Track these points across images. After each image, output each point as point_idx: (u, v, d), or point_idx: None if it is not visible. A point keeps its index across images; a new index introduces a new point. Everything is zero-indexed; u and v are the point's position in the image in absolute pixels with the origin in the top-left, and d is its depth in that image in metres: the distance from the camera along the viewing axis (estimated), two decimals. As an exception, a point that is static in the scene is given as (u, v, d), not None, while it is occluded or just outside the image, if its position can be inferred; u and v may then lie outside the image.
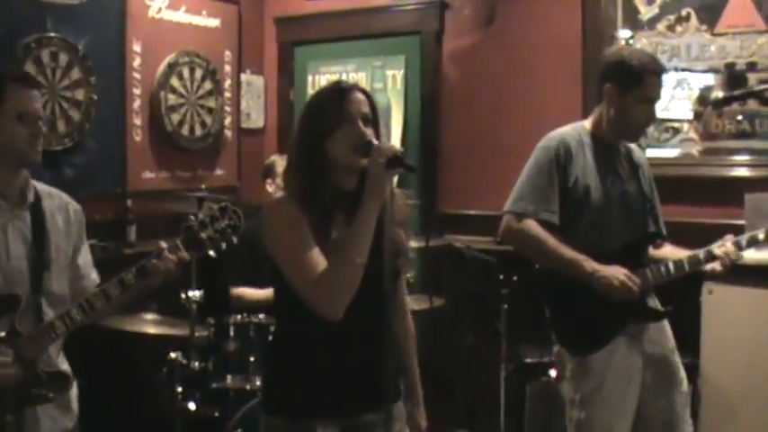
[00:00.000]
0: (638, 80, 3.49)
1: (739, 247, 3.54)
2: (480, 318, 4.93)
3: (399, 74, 5.91)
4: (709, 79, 4.87)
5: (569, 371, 3.58)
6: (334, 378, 2.62)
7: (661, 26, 5.01)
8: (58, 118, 4.95)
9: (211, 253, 3.00)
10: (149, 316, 4.53)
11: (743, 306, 4.48)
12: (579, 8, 5.23)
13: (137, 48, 5.44)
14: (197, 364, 4.34)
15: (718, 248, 3.53)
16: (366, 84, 5.90)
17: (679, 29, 4.97)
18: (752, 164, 4.78)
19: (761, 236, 3.58)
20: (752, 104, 4.59)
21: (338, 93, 2.64)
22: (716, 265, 3.55)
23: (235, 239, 3.00)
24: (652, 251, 3.69)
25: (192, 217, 2.96)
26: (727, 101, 3.75)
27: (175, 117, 5.67)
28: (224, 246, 3.00)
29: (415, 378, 2.92)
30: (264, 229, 2.65)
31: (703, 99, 4.85)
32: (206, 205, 3.04)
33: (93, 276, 3.21)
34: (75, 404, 3.15)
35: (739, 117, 4.77)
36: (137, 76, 5.45)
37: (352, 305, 2.51)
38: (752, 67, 4.75)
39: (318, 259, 2.51)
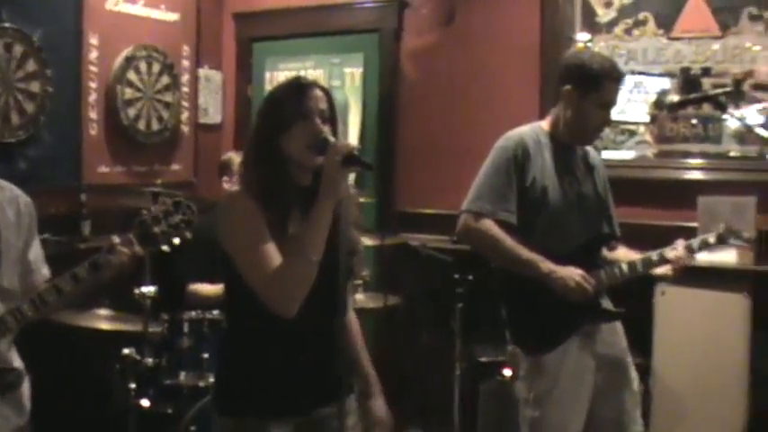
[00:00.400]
0: (597, 85, 3.51)
1: (691, 250, 3.58)
2: (435, 316, 4.94)
3: (358, 72, 5.91)
4: (665, 83, 4.93)
5: (523, 370, 3.60)
6: (288, 375, 2.62)
7: (618, 29, 5.06)
8: (13, 110, 4.88)
9: (164, 247, 2.99)
10: (102, 311, 4.48)
11: (694, 307, 4.55)
12: (538, 9, 5.27)
13: (93, 41, 5.39)
14: (150, 360, 4.31)
15: (670, 252, 3.56)
16: (324, 81, 5.89)
17: (636, 32, 5.02)
18: (705, 167, 4.84)
19: (712, 239, 3.62)
20: (706, 108, 4.65)
21: (296, 89, 2.64)
22: (668, 269, 3.58)
23: (188, 234, 2.99)
24: (606, 252, 3.72)
25: (146, 211, 2.95)
26: (681, 104, 3.78)
27: (132, 111, 5.63)
28: (177, 240, 2.98)
29: (368, 371, 2.91)
30: (219, 223, 2.64)
31: (659, 102, 4.90)
32: (160, 200, 3.02)
33: (45, 271, 3.17)
34: (27, 401, 3.11)
35: (693, 121, 4.83)
36: (93, 69, 5.40)
37: (305, 302, 2.50)
38: (706, 71, 4.82)
39: (274, 255, 2.51)
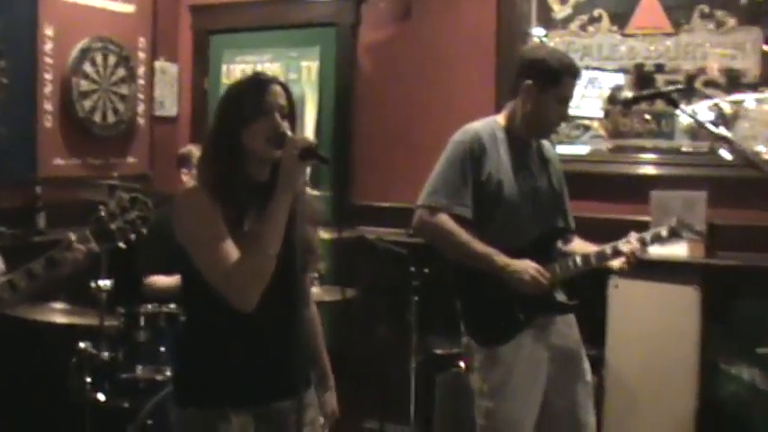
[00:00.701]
0: (556, 80, 3.56)
1: (644, 243, 3.63)
2: (391, 310, 4.97)
3: (314, 65, 5.91)
4: (619, 79, 4.99)
5: (478, 362, 3.64)
6: (246, 367, 2.64)
7: (573, 26, 5.13)
8: (-33, 102, 4.86)
9: (120, 244, 2.99)
10: (58, 305, 4.45)
11: (647, 300, 4.64)
12: (494, 5, 5.31)
13: (49, 32, 5.34)
14: (107, 354, 4.29)
15: (623, 245, 3.61)
16: (281, 74, 5.89)
17: (591, 29, 5.08)
18: (658, 162, 4.92)
19: (664, 233, 3.68)
20: (659, 104, 4.72)
21: (257, 84, 2.66)
22: (621, 262, 3.64)
23: (144, 230, 3.00)
24: (561, 245, 3.77)
25: (102, 208, 2.95)
26: (635, 101, 3.84)
27: (87, 103, 5.59)
28: (133, 237, 2.99)
29: (326, 365, 2.97)
30: (175, 219, 2.65)
31: (612, 98, 4.97)
32: (116, 196, 3.01)
33: (0, 265, 3.17)
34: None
35: (647, 116, 4.90)
36: (49, 60, 5.36)
37: (263, 295, 2.53)
38: (659, 68, 4.89)
39: (231, 250, 2.52)
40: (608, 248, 3.63)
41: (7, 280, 2.92)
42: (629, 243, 3.61)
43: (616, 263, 3.65)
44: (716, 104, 4.75)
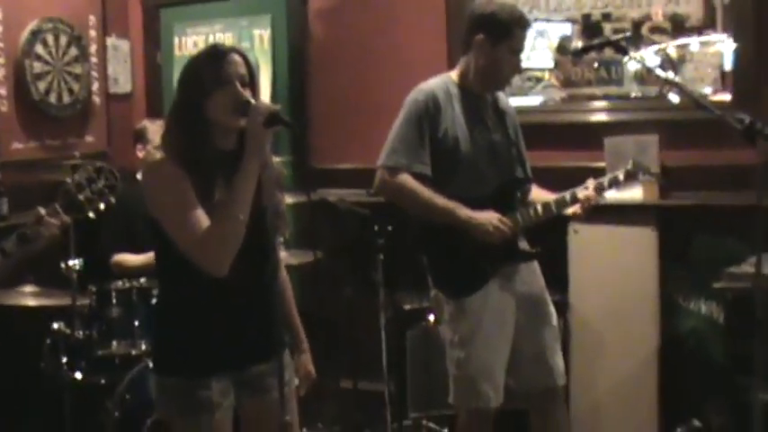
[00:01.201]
0: (508, 33, 3.65)
1: (601, 188, 3.73)
2: (358, 269, 5.02)
3: (266, 33, 5.89)
4: (567, 29, 5.07)
5: (447, 314, 3.74)
6: (223, 334, 2.72)
7: (521, -22, 5.17)
8: None
9: (91, 214, 3.02)
10: (28, 288, 4.48)
11: (606, 243, 4.74)
12: (442, -38, 5.33)
13: (-2, 16, 5.32)
14: (81, 332, 4.34)
15: (581, 191, 3.71)
16: (233, 44, 5.90)
17: (538, -18, 5.14)
18: (609, 109, 5.00)
19: (621, 176, 3.78)
20: (608, 52, 4.77)
21: (215, 56, 2.71)
22: (578, 208, 3.74)
23: (113, 199, 3.02)
24: (521, 195, 3.86)
25: (69, 180, 2.97)
26: (585, 50, 3.92)
27: (42, 85, 5.57)
28: (102, 206, 3.01)
29: (298, 327, 3.06)
30: (145, 190, 2.71)
31: (561, 48, 5.05)
32: (81, 167, 3.02)
33: None
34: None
35: (596, 65, 4.98)
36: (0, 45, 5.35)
37: (235, 262, 2.60)
38: (606, 17, 4.96)
39: (202, 217, 2.59)
40: (567, 195, 3.72)
41: None
42: (587, 189, 3.71)
43: (572, 209, 3.75)
44: (662, 49, 4.83)
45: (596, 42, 3.71)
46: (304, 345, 3.09)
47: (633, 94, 4.95)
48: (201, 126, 2.65)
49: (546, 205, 3.72)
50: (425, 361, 4.70)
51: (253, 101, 2.65)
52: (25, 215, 3.02)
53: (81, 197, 2.95)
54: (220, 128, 2.67)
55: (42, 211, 2.95)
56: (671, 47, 4.81)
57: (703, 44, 4.74)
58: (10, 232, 2.98)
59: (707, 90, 4.74)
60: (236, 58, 2.71)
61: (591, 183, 3.73)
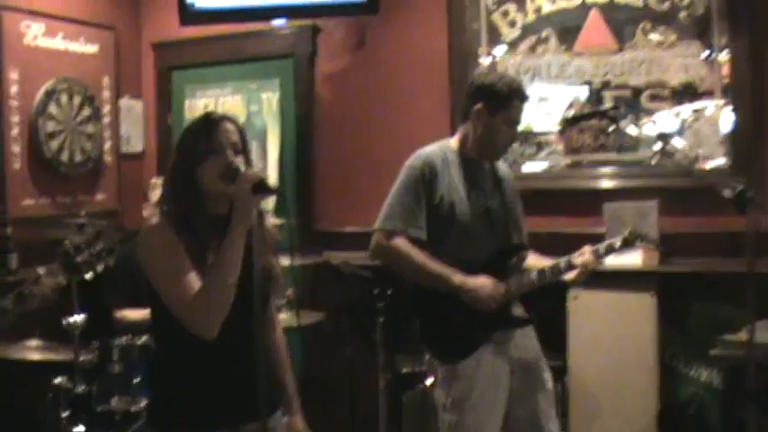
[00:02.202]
0: (505, 104, 3.71)
1: (598, 255, 3.75)
2: (358, 331, 5.04)
3: (274, 96, 6.01)
4: (570, 96, 5.14)
5: (440, 377, 3.74)
6: (213, 393, 2.73)
7: (523, 47, 5.25)
8: (-66, 147, 4.93)
9: (88, 276, 3.06)
10: (32, 342, 4.53)
11: (606, 309, 4.76)
12: (445, 31, 5.42)
13: (14, 75, 5.45)
14: (82, 387, 4.37)
15: (576, 258, 3.73)
16: (242, 107, 6.02)
17: (539, 49, 5.21)
18: (609, 175, 5.04)
19: (617, 244, 3.79)
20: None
21: (208, 124, 2.77)
22: (575, 274, 3.76)
23: (111, 262, 3.07)
24: (516, 261, 3.89)
25: (68, 241, 3.03)
26: (575, 120, 3.99)
27: (55, 144, 5.69)
28: (100, 268, 3.06)
29: (292, 388, 3.04)
30: (140, 253, 2.77)
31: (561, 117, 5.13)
32: (84, 228, 3.07)
33: None
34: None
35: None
36: (14, 103, 5.46)
37: (226, 324, 2.63)
38: (606, 84, 5.03)
39: (194, 281, 2.62)
40: (562, 262, 3.74)
41: None
42: (582, 256, 3.73)
43: (570, 275, 3.78)
44: (661, 116, 4.89)
45: (585, 113, 3.76)
46: (296, 406, 3.10)
47: (632, 161, 4.99)
48: (194, 191, 2.71)
49: (540, 272, 3.74)
50: (421, 424, 4.70)
51: (242, 168, 2.70)
52: (32, 271, 3.06)
53: (79, 259, 2.98)
54: (212, 194, 2.73)
55: (41, 271, 2.99)
56: (670, 114, 4.87)
57: (702, 111, 4.80)
58: (17, 287, 3.01)
59: (705, 156, 4.78)
60: (229, 125, 2.76)
61: (587, 249, 3.75)
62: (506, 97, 3.71)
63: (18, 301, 2.96)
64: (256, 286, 2.64)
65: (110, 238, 3.01)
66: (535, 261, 3.88)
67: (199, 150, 2.71)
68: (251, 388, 2.74)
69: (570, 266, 3.73)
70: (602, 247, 3.78)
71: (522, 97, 3.78)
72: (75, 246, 2.96)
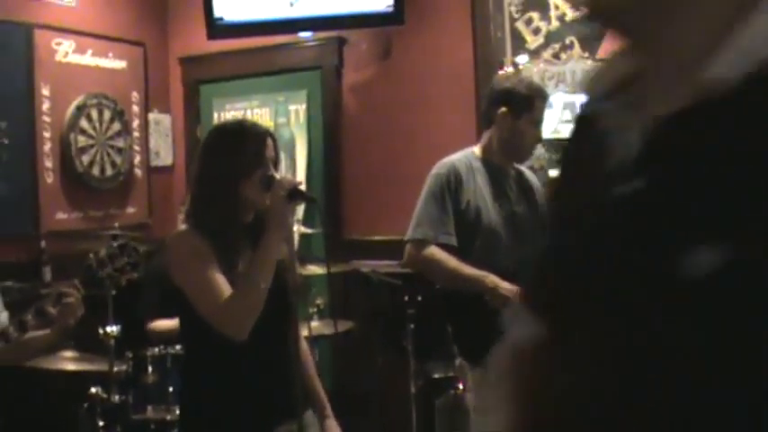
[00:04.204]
0: (529, 105, 3.75)
1: None
2: (389, 338, 5.07)
3: (302, 108, 6.07)
4: (593, 102, 5.16)
5: (471, 381, 3.79)
6: (247, 398, 2.78)
7: (546, 54, 5.28)
8: (-31, 163, 5.01)
9: (113, 291, 3.09)
10: (68, 353, 4.58)
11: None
12: (470, 40, 5.46)
13: (45, 92, 5.53)
14: (117, 397, 4.42)
15: None
16: (270, 118, 6.08)
17: (563, 56, 5.25)
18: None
19: None
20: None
21: (256, 137, 2.82)
22: None
23: (135, 275, 3.10)
24: None
25: (92, 256, 3.05)
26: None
27: (86, 158, 5.77)
28: (124, 283, 3.09)
29: (322, 394, 3.10)
30: (170, 260, 2.82)
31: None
32: (106, 244, 3.09)
33: (2, 318, 3.25)
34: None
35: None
36: (46, 119, 5.54)
37: (259, 328, 2.68)
38: (630, 90, 5.05)
39: (225, 285, 2.68)
40: None
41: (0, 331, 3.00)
42: None
43: None
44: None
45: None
46: (328, 410, 3.14)
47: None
48: (234, 201, 2.77)
49: None
50: (454, 429, 4.72)
51: (277, 176, 2.76)
52: (66, 284, 3.08)
53: (102, 274, 3.02)
54: (251, 205, 2.78)
55: (63, 288, 3.01)
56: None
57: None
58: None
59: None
60: (270, 141, 2.84)
61: None
62: (529, 98, 3.76)
63: (38, 315, 2.99)
64: (291, 291, 2.70)
65: (134, 253, 3.05)
66: None
67: (248, 164, 2.77)
68: (283, 388, 2.79)
69: None
70: None
71: (543, 97, 3.84)
72: (99, 260, 3.00)
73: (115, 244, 3.07)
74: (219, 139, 2.91)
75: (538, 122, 3.81)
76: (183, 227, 2.81)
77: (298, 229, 3.10)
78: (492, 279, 3.64)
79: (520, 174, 3.95)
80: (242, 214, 2.80)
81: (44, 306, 2.98)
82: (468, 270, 3.67)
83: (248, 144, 2.81)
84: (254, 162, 2.76)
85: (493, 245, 3.73)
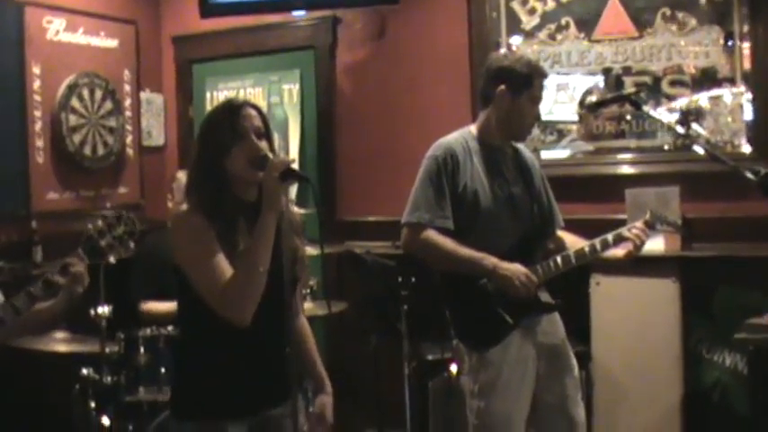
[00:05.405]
0: (527, 82, 3.71)
1: (606, 245, 3.76)
2: (382, 320, 5.05)
3: (295, 88, 6.04)
4: (589, 83, 5.14)
5: (468, 365, 3.73)
6: (241, 378, 2.75)
7: (542, 34, 5.26)
8: (-41, 142, 4.97)
9: (112, 259, 3.11)
10: (59, 334, 4.54)
11: (628, 295, 4.76)
12: (465, 21, 5.44)
13: (36, 70, 5.48)
14: (109, 378, 4.39)
15: (598, 244, 3.74)
16: (263, 98, 6.04)
17: (559, 37, 5.22)
18: (631, 161, 5.05)
19: (639, 225, 3.79)
20: (628, 106, 4.83)
21: (230, 110, 2.77)
22: (626, 251, 3.75)
23: (132, 245, 3.11)
24: (549, 244, 3.87)
25: (91, 226, 3.06)
26: (598, 105, 3.99)
27: (77, 137, 5.72)
28: (123, 252, 3.10)
29: (322, 371, 3.07)
30: (172, 240, 2.78)
31: (582, 103, 5.12)
32: (102, 215, 3.12)
33: None
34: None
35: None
36: (37, 98, 5.49)
37: (256, 309, 2.65)
38: (627, 70, 5.03)
39: (225, 267, 2.64)
40: (587, 247, 3.73)
41: (9, 302, 3.02)
42: (594, 244, 3.73)
43: (620, 252, 3.76)
44: (682, 102, 4.90)
45: (609, 97, 3.76)
46: (328, 387, 3.08)
47: (654, 147, 5.00)
48: (222, 179, 2.73)
49: (565, 257, 3.72)
50: (447, 411, 4.71)
51: (270, 155, 2.72)
52: (57, 263, 3.10)
53: (102, 243, 3.03)
54: (240, 181, 2.74)
55: (67, 259, 3.03)
56: (692, 100, 4.86)
57: (724, 97, 4.80)
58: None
59: (727, 142, 4.79)
60: (251, 111, 2.77)
61: (598, 240, 3.75)
62: (527, 76, 3.72)
63: (46, 287, 3.01)
64: (286, 271, 2.66)
65: (131, 222, 3.07)
66: (574, 241, 3.88)
67: (224, 139, 2.72)
68: (276, 372, 2.76)
69: (594, 252, 3.73)
70: (610, 236, 3.76)
71: (542, 74, 3.79)
72: (98, 230, 3.01)
73: (112, 214, 3.08)
74: (204, 120, 2.88)
75: (537, 100, 3.77)
76: (183, 206, 2.76)
77: (296, 209, 3.03)
78: (491, 260, 3.61)
79: (517, 152, 3.91)
80: (239, 191, 2.76)
81: (51, 277, 3.00)
82: (466, 252, 3.63)
83: (222, 118, 2.77)
84: (231, 136, 2.71)
85: (491, 226, 3.70)
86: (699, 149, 4.31)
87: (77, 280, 3.04)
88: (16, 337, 3.49)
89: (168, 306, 4.59)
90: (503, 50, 5.27)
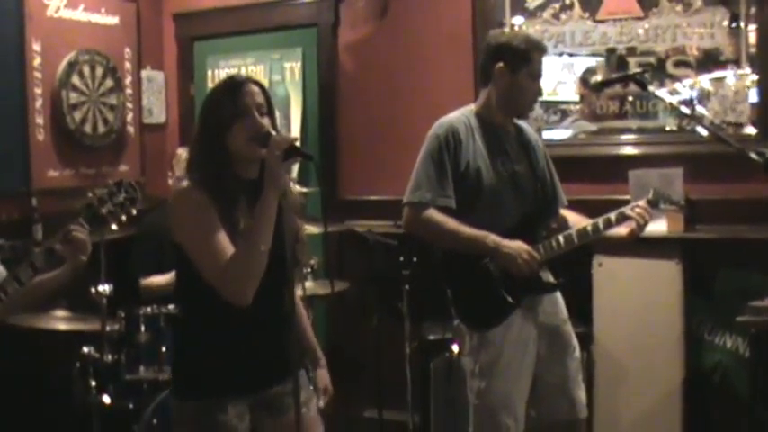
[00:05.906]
0: (526, 58, 3.69)
1: (609, 224, 3.74)
2: (384, 299, 5.06)
3: (297, 66, 6.00)
4: (592, 63, 5.12)
5: (469, 345, 3.74)
6: (242, 357, 2.76)
7: (546, 14, 5.23)
8: (-41, 119, 4.94)
9: (114, 227, 3.10)
10: (60, 313, 4.53)
11: (630, 276, 4.75)
12: (469, -1, 5.41)
13: (36, 47, 5.43)
14: (110, 356, 4.39)
15: (601, 222, 3.73)
16: (265, 76, 6.00)
17: (563, 16, 5.19)
18: (634, 142, 5.04)
19: (641, 204, 3.77)
20: (632, 86, 4.81)
21: (231, 87, 2.76)
22: (629, 230, 3.73)
23: (134, 212, 3.10)
24: (552, 223, 3.86)
25: (91, 194, 3.06)
26: (604, 84, 3.96)
27: (78, 115, 5.69)
28: (124, 218, 3.09)
29: (315, 344, 3.12)
30: (171, 218, 2.77)
31: (584, 81, 5.10)
32: (103, 183, 3.12)
33: (0, 270, 3.27)
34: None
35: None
36: (37, 75, 5.45)
37: (256, 288, 2.64)
38: (631, 51, 5.01)
39: (226, 245, 2.63)
40: (589, 226, 3.71)
41: (12, 274, 3.03)
42: (597, 223, 3.72)
43: (623, 231, 3.74)
44: (687, 83, 4.87)
45: (615, 77, 3.74)
46: (321, 360, 3.14)
47: (658, 128, 4.98)
48: (223, 157, 2.71)
49: (568, 237, 3.71)
50: (448, 391, 4.72)
51: (273, 132, 2.70)
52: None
53: (103, 210, 3.02)
54: (241, 158, 2.72)
55: (69, 226, 3.03)
56: (696, 81, 4.84)
57: (728, 79, 4.78)
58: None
59: (732, 123, 4.76)
60: (253, 87, 2.76)
61: (601, 219, 3.74)
62: (526, 51, 3.70)
63: (48, 256, 3.00)
64: (289, 250, 2.65)
65: (131, 189, 3.06)
66: (577, 220, 3.86)
67: (225, 115, 2.71)
68: (276, 350, 2.76)
69: (596, 231, 3.72)
70: (612, 215, 3.74)
71: (541, 49, 3.77)
72: (99, 198, 3.01)
73: (112, 182, 3.08)
74: (205, 98, 2.86)
75: (536, 76, 3.75)
76: (184, 182, 2.74)
77: (297, 187, 3.01)
78: (493, 239, 3.60)
79: (520, 130, 3.90)
80: (240, 169, 2.74)
81: (53, 245, 3.01)
82: (469, 231, 3.62)
83: (223, 95, 2.76)
84: (232, 112, 2.70)
85: (494, 205, 3.69)
86: (703, 131, 4.30)
87: (79, 247, 3.03)
88: (21, 309, 3.47)
89: (166, 278, 4.61)
90: (516, 27, 5.24)
